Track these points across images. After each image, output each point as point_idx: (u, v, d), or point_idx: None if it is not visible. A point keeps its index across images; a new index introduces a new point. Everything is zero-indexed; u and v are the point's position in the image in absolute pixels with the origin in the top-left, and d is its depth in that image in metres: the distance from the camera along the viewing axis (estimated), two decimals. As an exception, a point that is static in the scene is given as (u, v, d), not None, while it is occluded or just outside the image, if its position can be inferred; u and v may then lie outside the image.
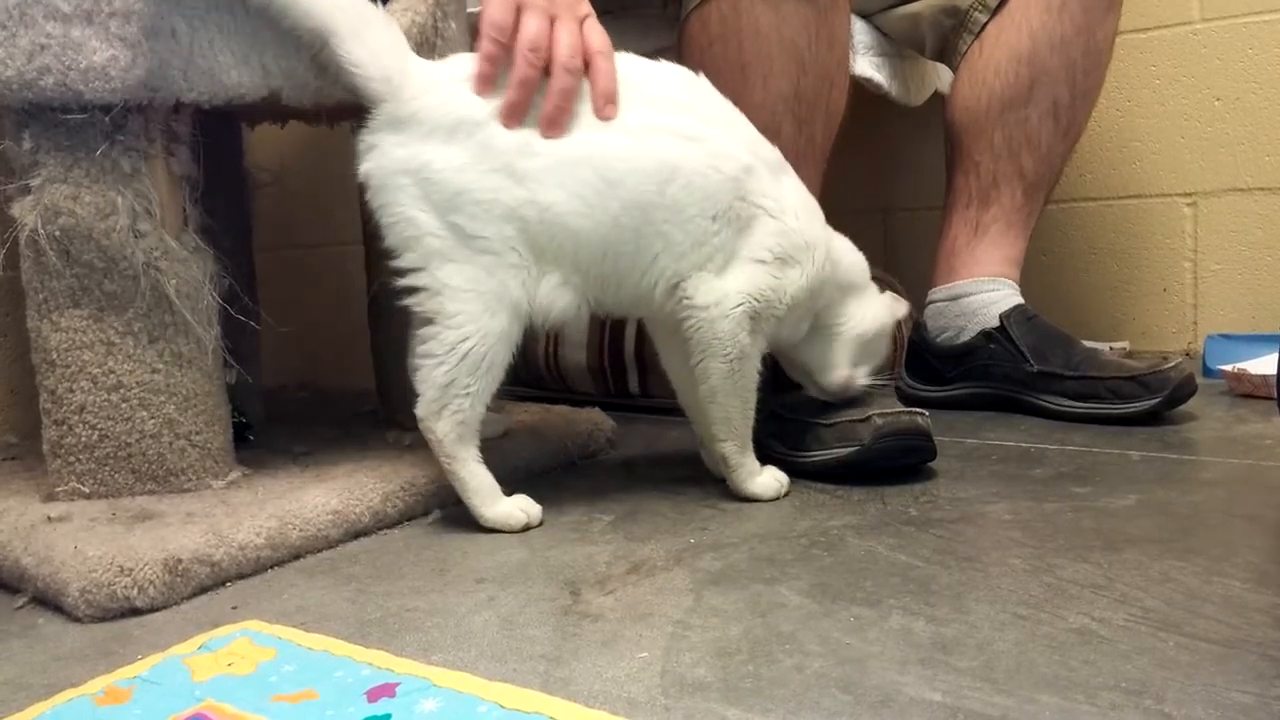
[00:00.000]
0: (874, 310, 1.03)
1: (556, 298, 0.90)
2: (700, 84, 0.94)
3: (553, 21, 0.88)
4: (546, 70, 0.87)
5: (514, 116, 0.86)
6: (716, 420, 0.94)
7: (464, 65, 0.90)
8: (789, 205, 0.93)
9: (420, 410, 0.89)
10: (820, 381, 1.02)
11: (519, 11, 0.88)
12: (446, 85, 0.88)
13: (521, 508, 0.91)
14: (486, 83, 0.87)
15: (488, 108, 0.87)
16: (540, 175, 0.86)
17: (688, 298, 0.91)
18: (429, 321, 0.88)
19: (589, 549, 0.84)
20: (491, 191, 0.86)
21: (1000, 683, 0.57)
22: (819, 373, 1.02)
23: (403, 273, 0.89)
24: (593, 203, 0.87)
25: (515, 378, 1.30)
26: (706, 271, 0.90)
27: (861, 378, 1.03)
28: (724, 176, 0.89)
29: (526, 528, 0.91)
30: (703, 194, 0.88)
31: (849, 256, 1.01)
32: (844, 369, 1.01)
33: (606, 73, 0.88)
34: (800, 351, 1.01)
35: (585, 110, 0.88)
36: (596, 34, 0.90)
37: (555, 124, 0.87)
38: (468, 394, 0.88)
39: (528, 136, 0.87)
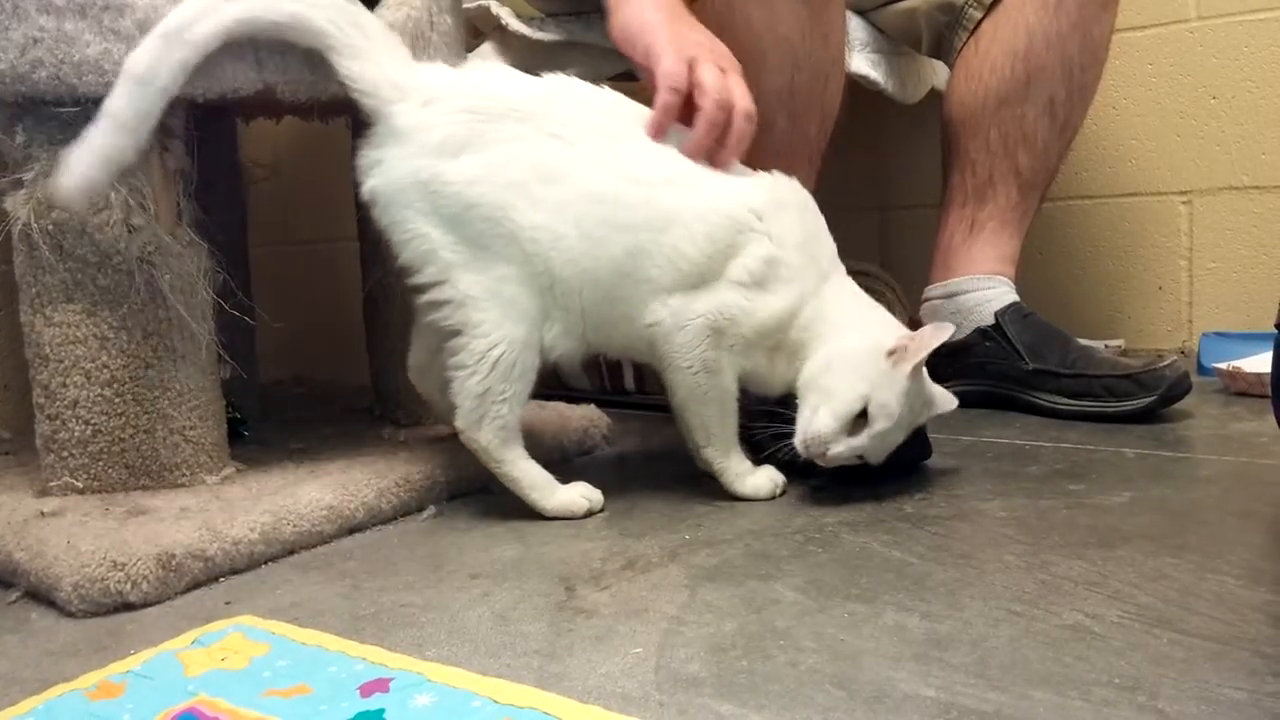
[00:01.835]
0: (846, 341, 0.91)
1: (558, 343, 0.91)
2: None
3: (723, 73, 0.92)
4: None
5: (700, 152, 0.91)
6: (694, 428, 0.95)
7: (468, 74, 0.92)
8: (782, 235, 0.91)
9: (460, 422, 0.90)
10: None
11: (691, 65, 0.91)
12: (453, 96, 0.88)
13: (583, 494, 0.93)
14: (661, 131, 0.91)
15: (498, 120, 0.87)
16: (557, 206, 0.87)
17: (651, 310, 0.90)
18: (457, 333, 0.88)
19: (584, 545, 0.84)
20: (502, 208, 0.87)
21: (994, 679, 0.57)
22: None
23: (424, 288, 0.89)
24: (601, 242, 0.88)
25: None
26: (676, 292, 0.90)
27: (822, 434, 0.87)
28: (721, 222, 0.89)
29: (589, 513, 0.92)
30: (702, 240, 0.89)
31: (847, 300, 0.95)
32: (800, 426, 0.89)
33: (747, 133, 0.93)
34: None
35: (604, 153, 0.89)
36: (745, 92, 0.93)
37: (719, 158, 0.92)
38: (504, 399, 0.89)
39: (551, 164, 0.87)
